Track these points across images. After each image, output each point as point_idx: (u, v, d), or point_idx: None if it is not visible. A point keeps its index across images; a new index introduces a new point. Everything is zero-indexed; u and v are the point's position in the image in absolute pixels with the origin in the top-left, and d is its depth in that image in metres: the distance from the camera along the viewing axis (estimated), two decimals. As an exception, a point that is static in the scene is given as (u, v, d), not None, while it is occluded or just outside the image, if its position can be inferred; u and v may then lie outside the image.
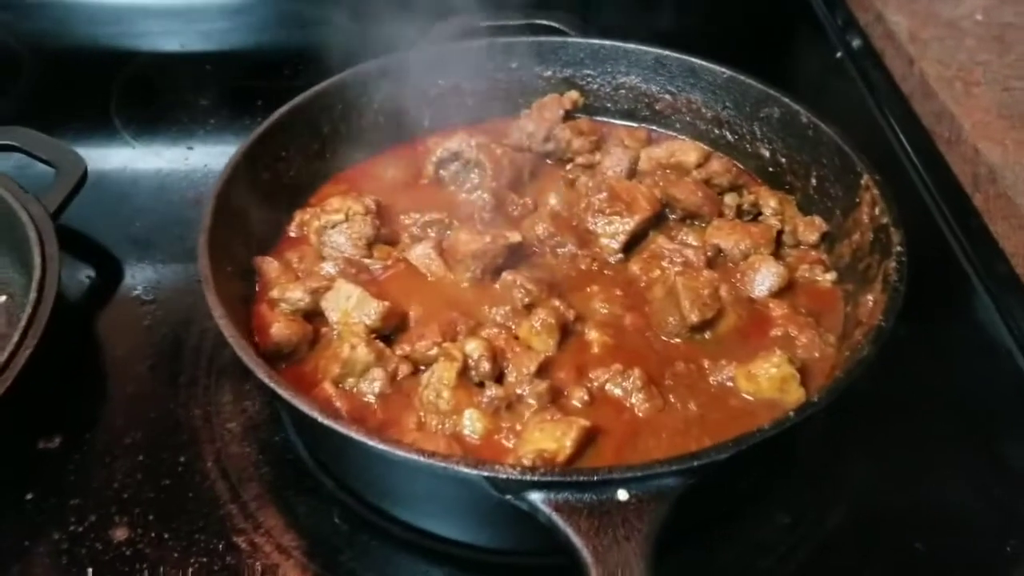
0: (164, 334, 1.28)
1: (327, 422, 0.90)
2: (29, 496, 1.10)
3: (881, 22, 1.76)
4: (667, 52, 1.40)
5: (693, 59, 1.38)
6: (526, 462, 0.95)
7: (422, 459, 0.88)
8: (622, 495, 0.86)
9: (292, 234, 1.27)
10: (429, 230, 1.25)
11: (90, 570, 1.03)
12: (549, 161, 1.38)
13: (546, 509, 0.86)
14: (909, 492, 1.13)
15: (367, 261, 1.21)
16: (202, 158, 1.56)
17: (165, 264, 1.39)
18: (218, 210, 1.12)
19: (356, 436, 0.89)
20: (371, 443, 0.89)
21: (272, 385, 0.94)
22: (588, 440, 1.00)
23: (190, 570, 1.02)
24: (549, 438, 0.98)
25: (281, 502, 1.09)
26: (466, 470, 0.87)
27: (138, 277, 1.38)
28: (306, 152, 1.31)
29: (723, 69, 1.36)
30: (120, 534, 1.07)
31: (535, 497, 0.86)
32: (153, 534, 1.07)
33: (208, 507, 1.09)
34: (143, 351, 1.27)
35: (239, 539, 1.06)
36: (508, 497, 0.88)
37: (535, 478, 0.86)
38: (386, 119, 1.39)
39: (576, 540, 0.84)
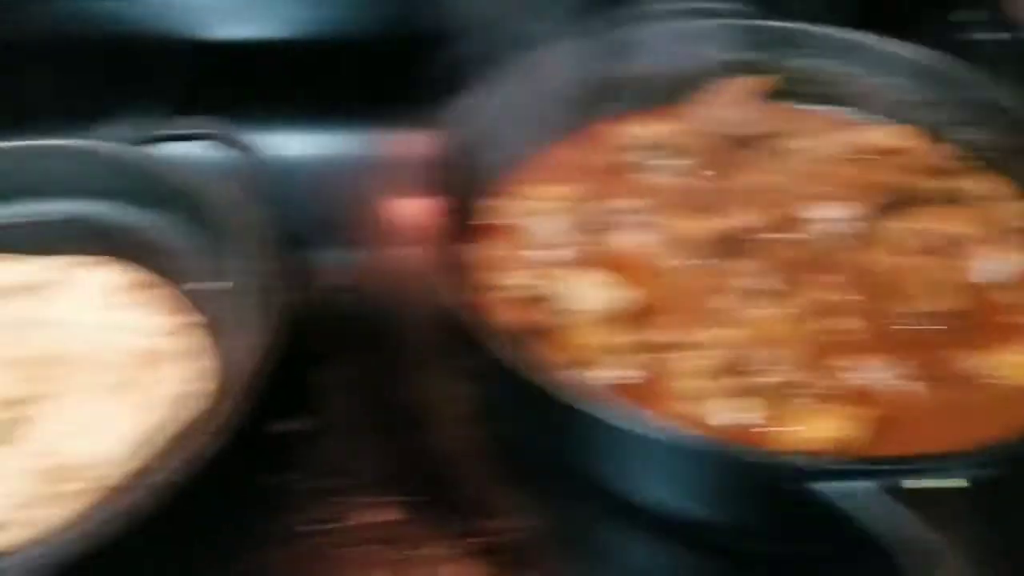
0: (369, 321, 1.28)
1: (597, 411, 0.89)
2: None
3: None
4: (864, 37, 1.37)
5: (894, 43, 1.36)
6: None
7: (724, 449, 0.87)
8: (960, 481, 0.83)
9: (490, 222, 1.25)
10: (634, 217, 1.24)
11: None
12: (743, 147, 1.36)
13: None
14: None
15: (577, 248, 1.20)
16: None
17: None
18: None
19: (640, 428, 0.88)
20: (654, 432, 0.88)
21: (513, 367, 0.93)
22: (855, 429, 0.98)
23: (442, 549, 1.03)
24: (825, 427, 0.97)
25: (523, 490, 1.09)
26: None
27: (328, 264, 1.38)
28: (494, 138, 1.29)
29: (932, 52, 1.34)
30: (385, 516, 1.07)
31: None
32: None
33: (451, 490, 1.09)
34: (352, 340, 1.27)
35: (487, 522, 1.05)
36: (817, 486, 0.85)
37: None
38: (570, 105, 1.38)
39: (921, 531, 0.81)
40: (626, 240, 1.20)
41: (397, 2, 1.70)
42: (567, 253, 1.17)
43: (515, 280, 1.12)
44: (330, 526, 1.07)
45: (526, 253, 1.19)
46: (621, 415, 0.90)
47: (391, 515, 1.07)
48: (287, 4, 1.75)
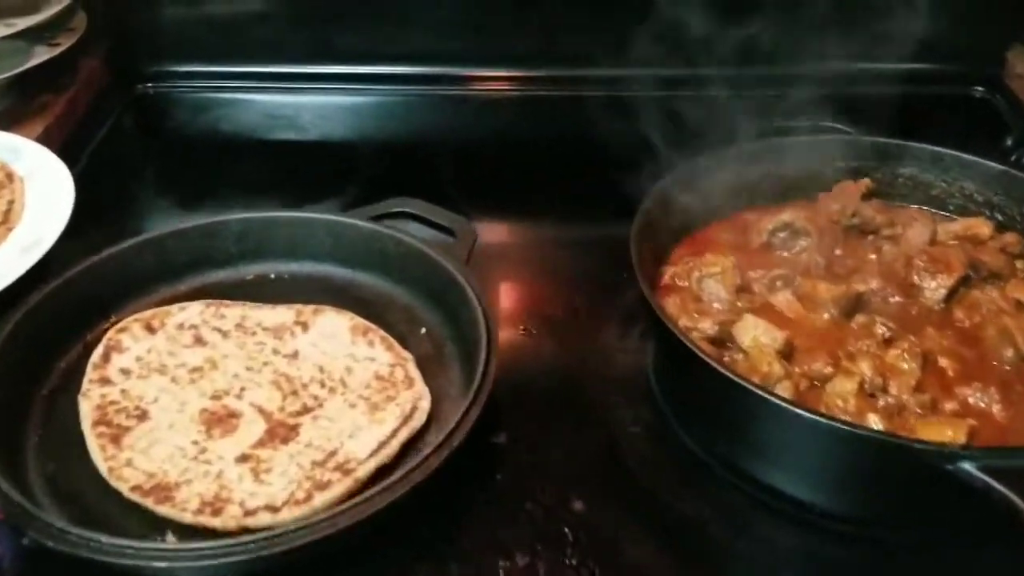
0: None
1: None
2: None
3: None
4: (943, 150, 1.73)
5: (966, 155, 1.72)
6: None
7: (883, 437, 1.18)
8: (1037, 465, 1.15)
9: (665, 282, 1.58)
10: (778, 283, 1.56)
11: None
12: (853, 233, 1.70)
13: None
14: None
15: (739, 304, 1.52)
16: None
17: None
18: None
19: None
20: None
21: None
22: (972, 437, 1.29)
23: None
24: (942, 435, 1.28)
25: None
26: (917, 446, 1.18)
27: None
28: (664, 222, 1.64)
29: (995, 164, 1.69)
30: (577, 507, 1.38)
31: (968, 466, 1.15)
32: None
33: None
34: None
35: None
36: (948, 467, 1.16)
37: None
38: (718, 197, 1.72)
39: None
40: (775, 298, 1.53)
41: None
42: (721, 307, 1.50)
43: (702, 324, 1.45)
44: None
45: (695, 306, 1.51)
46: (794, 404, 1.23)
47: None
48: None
